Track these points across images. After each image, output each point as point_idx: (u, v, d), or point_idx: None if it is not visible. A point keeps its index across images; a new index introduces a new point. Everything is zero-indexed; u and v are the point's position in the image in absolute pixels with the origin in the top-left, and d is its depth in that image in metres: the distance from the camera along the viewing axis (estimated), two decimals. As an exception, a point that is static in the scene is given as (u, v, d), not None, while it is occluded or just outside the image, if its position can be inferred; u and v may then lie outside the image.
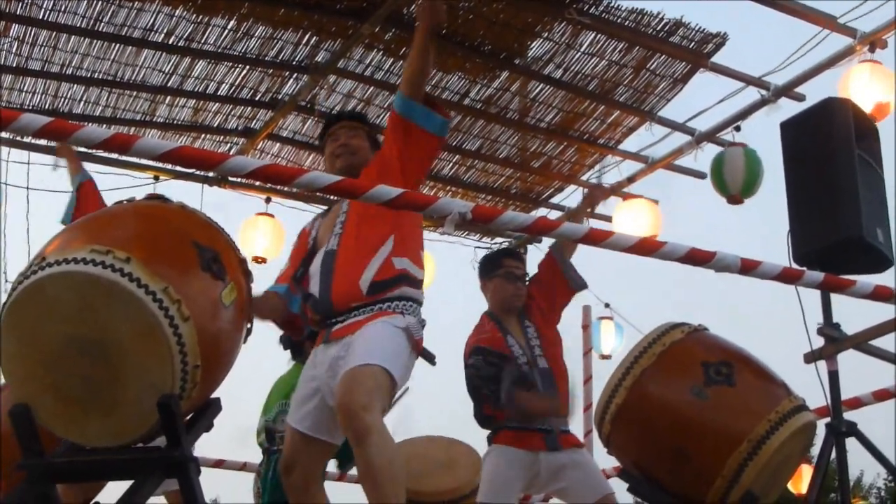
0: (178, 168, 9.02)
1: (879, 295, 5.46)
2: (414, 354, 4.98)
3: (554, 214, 10.58)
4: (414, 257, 5.08)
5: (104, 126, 8.92)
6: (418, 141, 5.13)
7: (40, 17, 7.86)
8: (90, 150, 8.39)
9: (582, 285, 6.79)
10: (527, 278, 6.86)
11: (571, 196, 10.47)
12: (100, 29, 8.03)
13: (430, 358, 5.24)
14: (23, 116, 3.84)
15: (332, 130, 5.53)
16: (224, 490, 37.67)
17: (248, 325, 4.77)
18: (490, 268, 6.83)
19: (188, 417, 4.48)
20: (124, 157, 8.85)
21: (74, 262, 4.15)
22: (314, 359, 5.06)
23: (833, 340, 6.26)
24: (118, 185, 9.15)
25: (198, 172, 9.40)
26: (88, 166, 9.02)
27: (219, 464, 9.31)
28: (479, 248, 10.81)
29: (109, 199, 6.29)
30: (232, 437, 8.67)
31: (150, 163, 8.98)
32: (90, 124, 8.39)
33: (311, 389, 5.00)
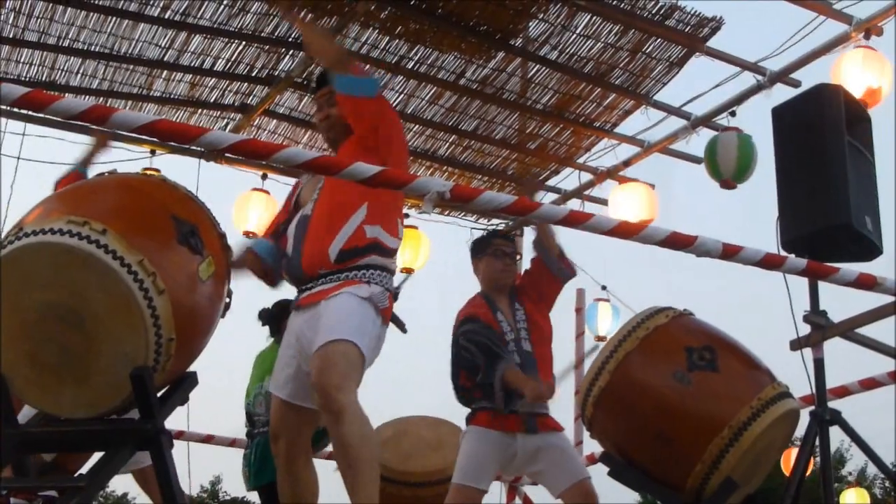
0: (172, 143, 8.98)
1: (863, 283, 5.42)
2: (382, 323, 4.94)
3: (550, 197, 10.59)
4: (388, 225, 5.03)
5: (101, 100, 8.93)
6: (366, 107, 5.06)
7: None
8: (84, 123, 8.38)
9: (566, 275, 6.75)
10: (518, 257, 6.86)
11: (568, 179, 10.46)
12: (96, 1, 7.99)
13: (401, 325, 5.25)
14: (1, 86, 3.82)
15: (315, 99, 5.50)
16: (227, 468, 37.91)
17: (227, 300, 4.77)
18: (480, 248, 6.82)
19: (163, 390, 4.49)
20: (119, 132, 8.83)
21: (51, 232, 4.16)
22: (290, 326, 5.07)
23: (819, 328, 6.24)
24: (115, 158, 9.15)
25: (194, 148, 9.37)
26: (84, 139, 9.06)
27: (208, 439, 9.32)
28: (475, 229, 10.77)
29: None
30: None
31: (147, 137, 8.95)
32: (71, 95, 8.35)
33: (289, 357, 5.01)
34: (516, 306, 6.64)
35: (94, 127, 8.40)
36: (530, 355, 6.45)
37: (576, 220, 4.78)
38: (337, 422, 4.53)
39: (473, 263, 6.83)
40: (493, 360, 6.26)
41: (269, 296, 6.73)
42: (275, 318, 7.04)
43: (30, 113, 8.55)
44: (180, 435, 8.47)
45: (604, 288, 10.83)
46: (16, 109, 8.43)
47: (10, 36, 8.29)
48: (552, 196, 10.60)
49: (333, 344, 4.64)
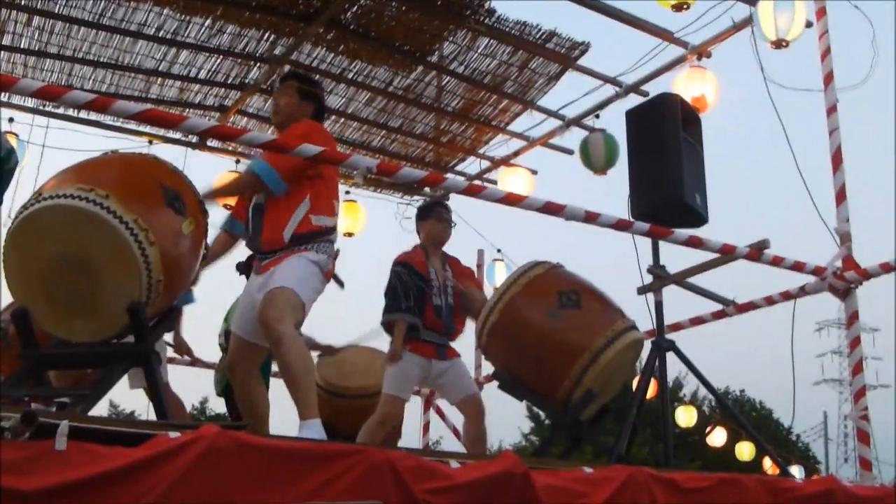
0: (164, 133, 8.87)
1: (692, 243, 5.52)
2: (324, 281, 4.97)
3: (458, 179, 10.54)
4: (327, 211, 4.99)
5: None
6: None
7: (56, 10, 7.69)
8: (102, 118, 8.25)
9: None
10: (454, 224, 6.83)
11: (471, 165, 10.45)
12: (105, 22, 7.86)
13: (341, 283, 5.24)
14: (21, 81, 3.76)
15: (274, 92, 5.51)
16: (211, 390, 37.29)
17: (204, 251, 4.73)
18: (425, 213, 6.81)
19: (153, 321, 4.45)
20: (126, 125, 8.78)
21: (64, 196, 4.10)
22: (251, 282, 5.05)
23: (659, 278, 6.33)
24: (118, 146, 9.00)
25: (183, 138, 9.24)
26: (95, 132, 8.89)
27: (193, 363, 9.14)
28: (400, 203, 10.69)
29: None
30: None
31: (148, 129, 8.89)
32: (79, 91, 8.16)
33: (249, 305, 4.97)
34: (447, 268, 6.65)
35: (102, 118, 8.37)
36: (451, 307, 6.50)
37: (473, 191, 4.81)
38: (279, 345, 4.56)
39: (418, 225, 6.80)
40: (400, 300, 6.32)
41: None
42: (249, 268, 6.98)
43: (50, 108, 8.43)
44: (171, 361, 8.30)
45: (499, 251, 10.82)
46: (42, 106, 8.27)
47: (35, 48, 8.12)
48: (460, 178, 10.56)
49: (277, 289, 4.68)
